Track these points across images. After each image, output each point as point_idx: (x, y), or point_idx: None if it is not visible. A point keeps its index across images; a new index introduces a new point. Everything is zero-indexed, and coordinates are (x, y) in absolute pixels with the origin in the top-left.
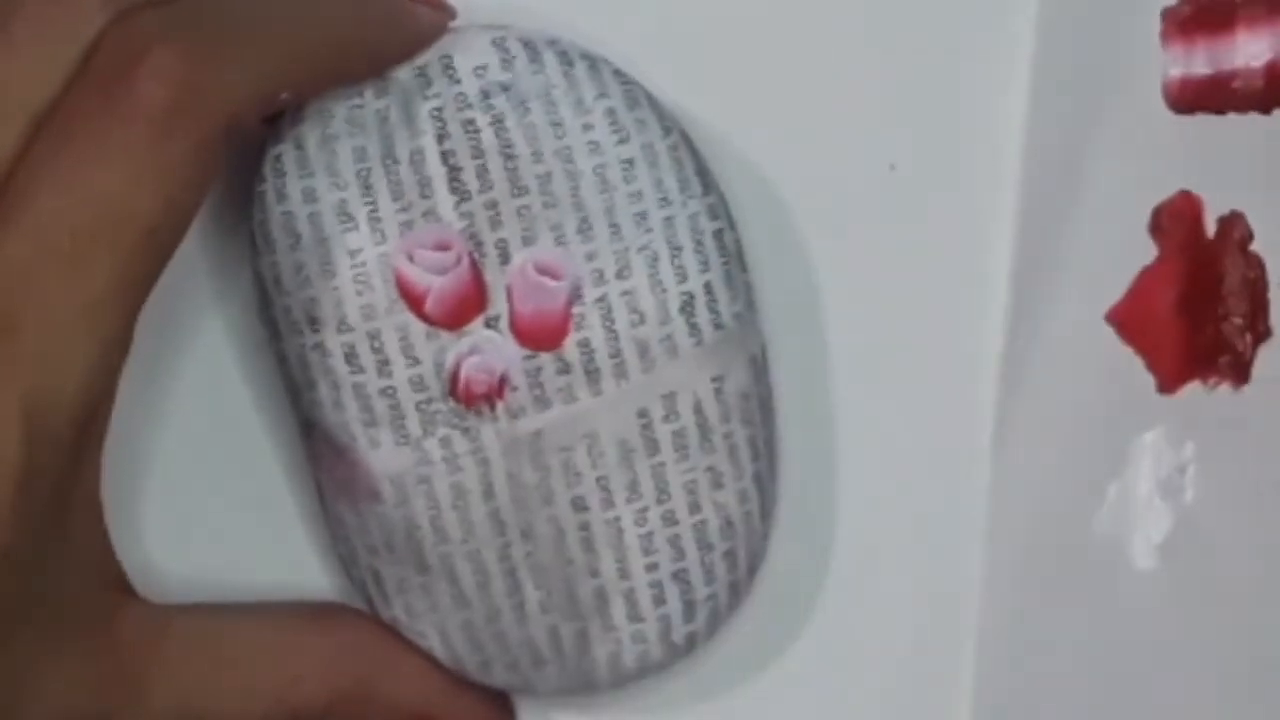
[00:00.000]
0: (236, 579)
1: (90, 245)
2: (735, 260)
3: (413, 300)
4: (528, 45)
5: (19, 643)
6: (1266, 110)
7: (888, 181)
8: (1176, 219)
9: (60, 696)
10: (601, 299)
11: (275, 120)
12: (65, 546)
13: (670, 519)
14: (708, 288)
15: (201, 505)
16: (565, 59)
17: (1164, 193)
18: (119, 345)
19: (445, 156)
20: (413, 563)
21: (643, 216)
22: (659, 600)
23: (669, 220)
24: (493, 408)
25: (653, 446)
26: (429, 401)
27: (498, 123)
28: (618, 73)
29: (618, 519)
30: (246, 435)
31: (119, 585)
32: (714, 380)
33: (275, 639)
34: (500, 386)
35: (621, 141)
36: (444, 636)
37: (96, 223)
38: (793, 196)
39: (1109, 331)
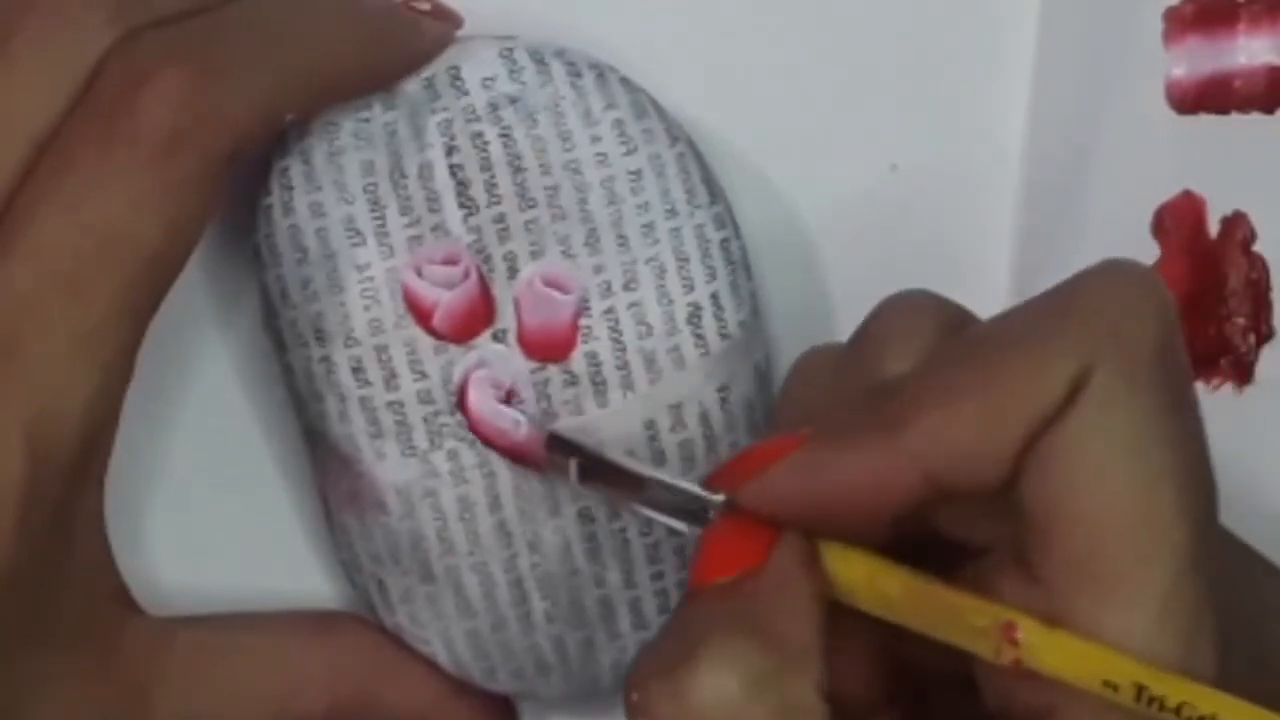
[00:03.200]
0: (240, 590)
1: (92, 271)
2: (741, 269)
3: (420, 315)
4: (535, 56)
5: (24, 661)
6: (1269, 110)
7: (889, 182)
8: (1179, 219)
9: (66, 713)
10: (609, 311)
11: (281, 133)
12: (68, 566)
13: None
14: (714, 298)
15: (204, 516)
16: (573, 69)
17: (1166, 193)
18: (121, 370)
19: (454, 170)
20: (418, 573)
21: (650, 228)
22: (664, 608)
23: (676, 231)
24: None
25: (659, 457)
26: (436, 415)
27: (506, 135)
28: (625, 81)
29: (623, 530)
30: (249, 445)
31: (122, 601)
32: (720, 390)
33: (277, 648)
34: (508, 400)
35: (629, 153)
36: (448, 644)
37: (98, 248)
38: (794, 198)
39: None
